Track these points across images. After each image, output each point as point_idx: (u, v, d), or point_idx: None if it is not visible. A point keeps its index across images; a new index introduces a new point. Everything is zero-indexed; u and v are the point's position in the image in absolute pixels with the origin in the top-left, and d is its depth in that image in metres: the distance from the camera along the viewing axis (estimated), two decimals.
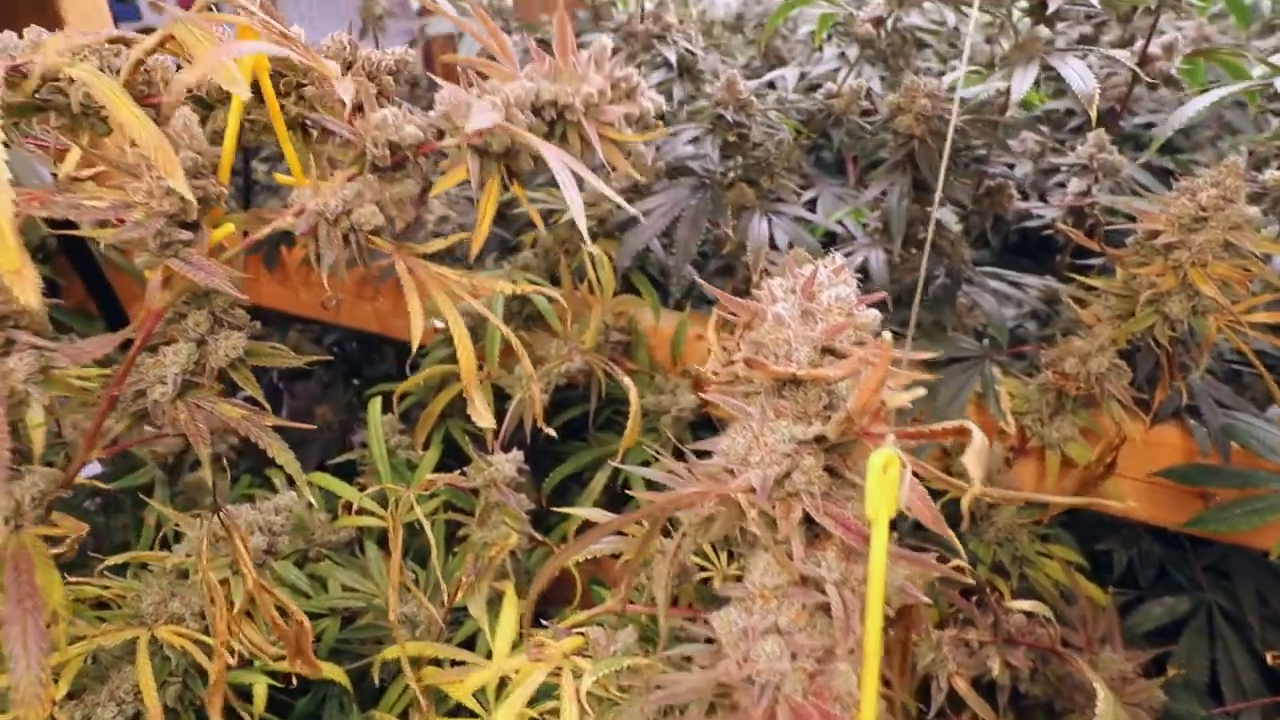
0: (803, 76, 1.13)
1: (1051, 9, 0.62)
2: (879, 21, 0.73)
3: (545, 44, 1.13)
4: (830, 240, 0.89)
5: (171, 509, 0.80)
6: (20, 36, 0.45)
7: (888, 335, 0.31)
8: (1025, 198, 0.92)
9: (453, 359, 0.87)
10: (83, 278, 0.88)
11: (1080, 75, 0.62)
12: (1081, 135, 0.94)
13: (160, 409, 0.41)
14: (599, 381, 0.76)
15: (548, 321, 0.81)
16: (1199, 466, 0.68)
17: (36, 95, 0.42)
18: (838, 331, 0.32)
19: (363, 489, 0.77)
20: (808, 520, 0.31)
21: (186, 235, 0.38)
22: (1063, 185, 0.91)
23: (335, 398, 1.11)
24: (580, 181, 0.44)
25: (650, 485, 0.37)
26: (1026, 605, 0.57)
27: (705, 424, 0.86)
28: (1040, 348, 0.70)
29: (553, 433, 0.62)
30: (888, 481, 0.25)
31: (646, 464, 0.80)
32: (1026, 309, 0.91)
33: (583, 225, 0.45)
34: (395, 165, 0.45)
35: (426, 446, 0.82)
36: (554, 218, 0.84)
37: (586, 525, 0.52)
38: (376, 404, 0.80)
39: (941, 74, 1.24)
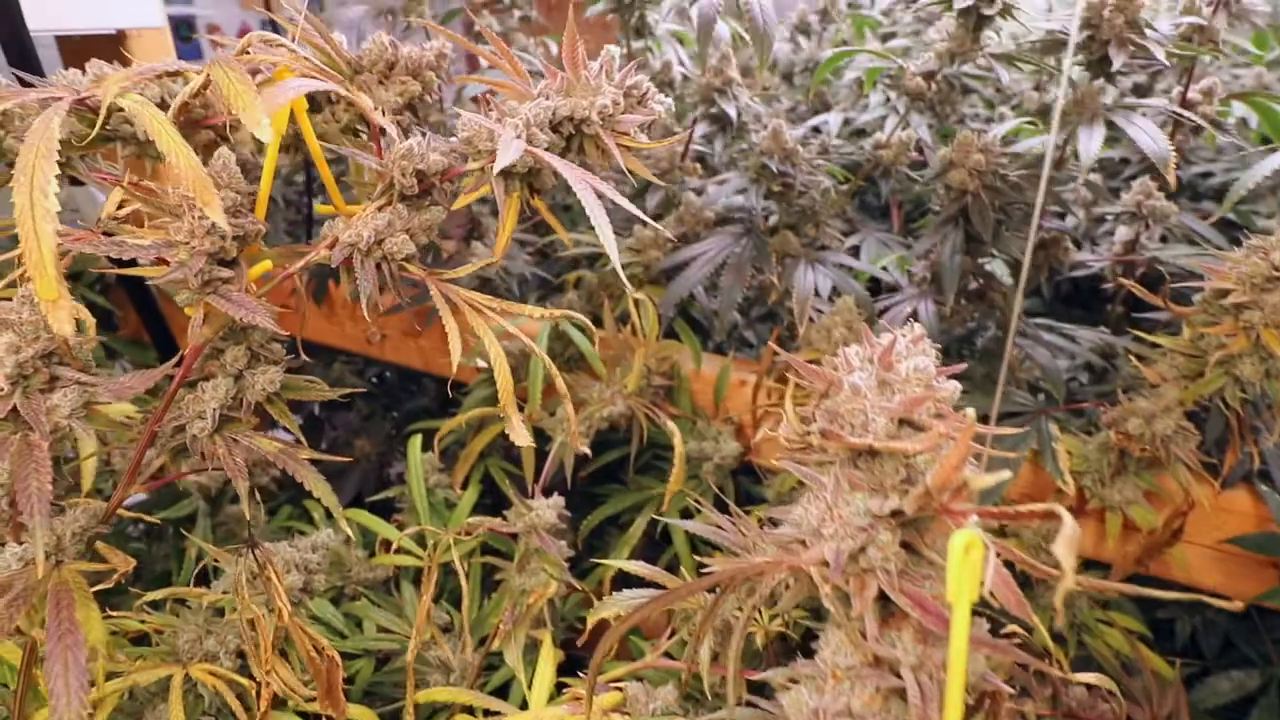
0: (847, 122, 1.12)
1: (1116, 65, 0.60)
2: (930, 75, 0.72)
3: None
4: (875, 286, 0.87)
5: (212, 540, 0.81)
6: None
7: (970, 412, 0.29)
8: (1078, 247, 0.89)
9: (493, 399, 0.87)
10: (137, 309, 0.91)
11: (1152, 137, 0.60)
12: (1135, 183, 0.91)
13: (199, 444, 0.41)
14: (640, 426, 0.74)
15: (590, 364, 0.80)
16: (1272, 536, 0.64)
17: (106, 127, 0.43)
18: (917, 404, 0.30)
19: (400, 527, 0.77)
20: (883, 598, 0.29)
21: (226, 273, 0.39)
22: (1112, 234, 0.89)
23: (374, 430, 1.11)
24: (605, 203, 0.44)
25: (694, 537, 0.36)
26: (1089, 678, 0.53)
27: (747, 471, 0.84)
28: (1099, 405, 0.67)
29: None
30: (970, 564, 0.23)
31: (688, 512, 0.79)
32: (1080, 361, 0.88)
33: (614, 255, 0.44)
34: (422, 192, 0.46)
35: (465, 486, 0.81)
36: (600, 262, 0.84)
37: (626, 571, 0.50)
38: (416, 442, 0.80)
39: (989, 120, 1.22)
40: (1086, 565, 0.72)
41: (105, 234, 0.39)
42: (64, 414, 0.36)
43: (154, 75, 0.40)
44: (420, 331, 0.98)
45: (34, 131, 0.33)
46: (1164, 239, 0.86)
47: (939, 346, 0.76)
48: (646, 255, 0.86)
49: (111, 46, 0.82)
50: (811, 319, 0.74)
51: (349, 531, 0.47)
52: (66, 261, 0.35)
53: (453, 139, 0.46)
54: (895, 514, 0.29)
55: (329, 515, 0.75)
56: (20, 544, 0.39)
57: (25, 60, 0.62)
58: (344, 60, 0.45)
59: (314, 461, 0.46)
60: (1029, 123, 0.78)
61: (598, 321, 0.89)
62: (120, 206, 0.44)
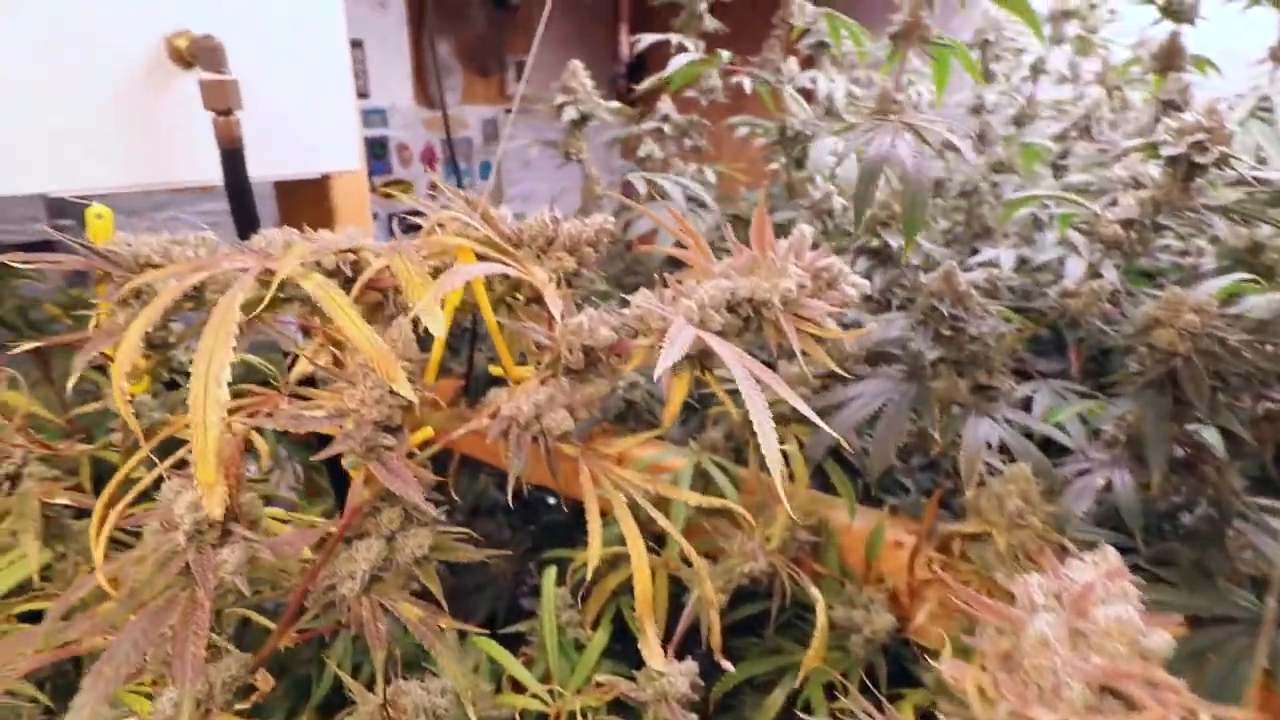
0: (1023, 262, 1.06)
1: None
2: (1130, 224, 0.66)
3: (741, 220, 1.13)
4: (1047, 445, 0.78)
5: (352, 652, 0.83)
6: (299, 224, 0.51)
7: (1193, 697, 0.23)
8: None
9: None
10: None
11: None
12: None
13: (346, 604, 0.41)
14: (784, 586, 0.69)
15: (732, 510, 0.76)
16: None
17: (281, 293, 0.46)
18: (1123, 677, 0.25)
19: (528, 663, 0.75)
20: None
21: (390, 440, 0.39)
22: None
23: (511, 543, 1.11)
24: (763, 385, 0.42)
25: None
26: None
27: (901, 641, 0.76)
28: None
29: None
30: None
31: (831, 687, 0.72)
32: None
33: (774, 452, 0.42)
34: (587, 366, 0.45)
35: (596, 625, 0.79)
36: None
37: None
38: (550, 575, 0.78)
39: (1183, 253, 1.11)
40: None
41: (290, 396, 0.41)
42: (229, 569, 0.37)
43: (332, 251, 0.43)
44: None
45: (215, 314, 0.36)
46: None
47: (1139, 524, 0.66)
48: (795, 391, 0.82)
49: (318, 186, 0.91)
50: (982, 480, 0.67)
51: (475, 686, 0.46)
52: (246, 431, 0.36)
53: (624, 311, 0.46)
54: None
55: (461, 637, 0.75)
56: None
57: (246, 212, 0.69)
58: (503, 235, 0.46)
59: (452, 571, 0.46)
60: (1251, 280, 0.69)
61: (741, 459, 0.86)
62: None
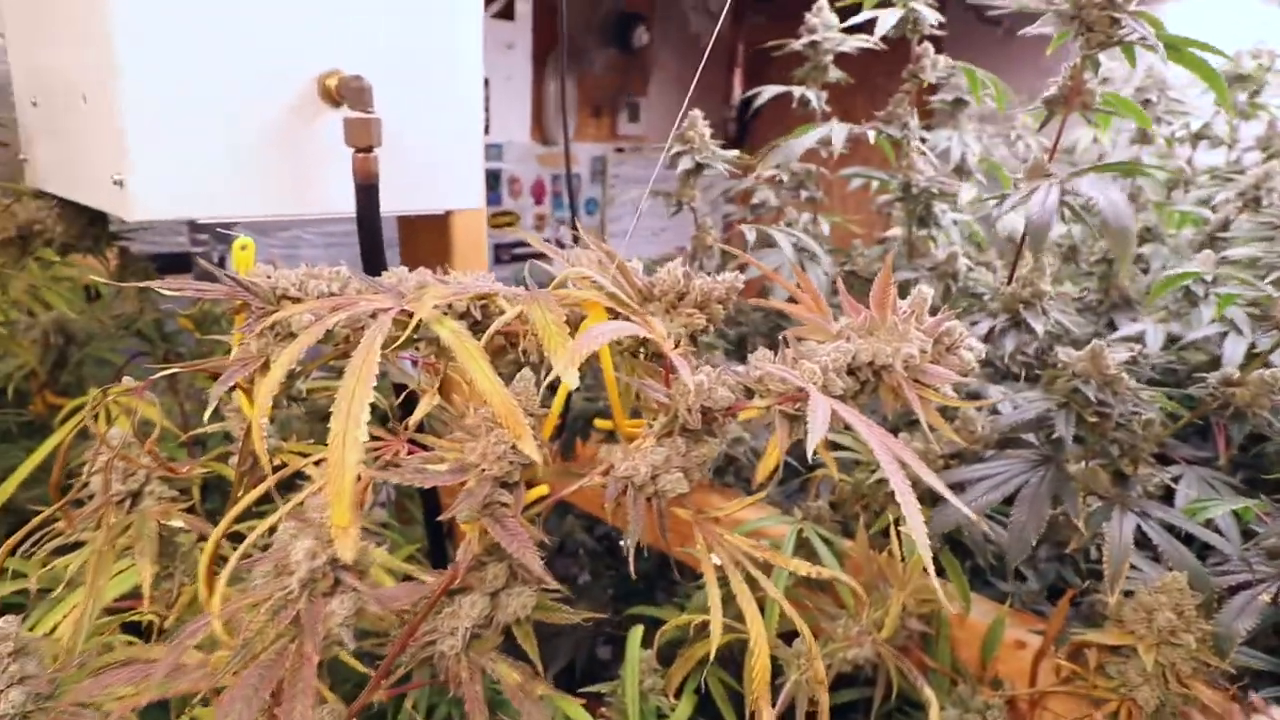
0: (1172, 340, 0.97)
1: None
2: None
3: (856, 276, 1.08)
4: (1189, 541, 0.70)
5: (429, 689, 0.82)
6: (418, 257, 0.51)
7: None
8: None
9: (727, 600, 0.81)
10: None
11: None
12: None
13: (445, 661, 0.40)
14: (890, 679, 0.64)
15: (835, 587, 0.72)
16: None
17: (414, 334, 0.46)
18: None
19: None
20: None
21: (507, 497, 0.38)
22: None
23: (596, 593, 1.09)
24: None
25: None
26: None
27: None
28: None
29: None
30: None
31: None
32: None
33: (922, 536, 0.39)
34: (704, 425, 0.43)
35: (679, 695, 0.75)
36: (859, 470, 0.77)
37: None
38: (636, 636, 0.75)
39: None
40: None
41: (410, 444, 0.41)
42: (337, 621, 0.36)
43: (468, 296, 0.42)
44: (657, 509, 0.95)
45: (357, 355, 0.35)
46: None
47: None
48: (912, 470, 0.77)
49: (439, 221, 0.93)
50: (1128, 591, 0.60)
51: None
52: (368, 480, 0.36)
53: (740, 369, 0.44)
54: None
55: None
56: None
57: (375, 246, 0.71)
58: (634, 288, 0.45)
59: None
60: None
61: (847, 532, 0.81)
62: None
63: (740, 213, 1.34)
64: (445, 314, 0.48)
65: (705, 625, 0.78)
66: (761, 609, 0.74)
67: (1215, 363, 0.82)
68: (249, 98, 0.70)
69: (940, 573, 0.74)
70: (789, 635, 0.73)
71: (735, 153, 1.00)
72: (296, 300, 0.52)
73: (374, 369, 0.35)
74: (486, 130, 2.80)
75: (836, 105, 1.14)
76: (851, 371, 0.47)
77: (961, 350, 0.50)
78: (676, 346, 0.47)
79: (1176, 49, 0.59)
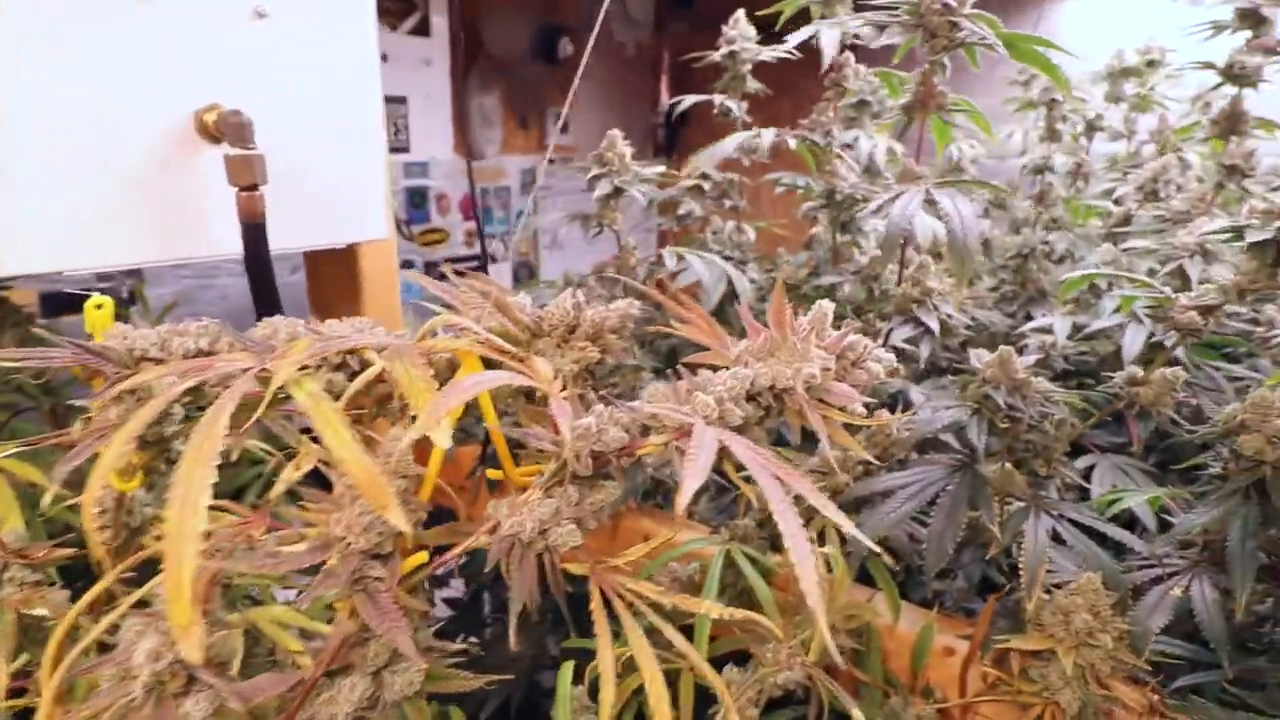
0: (1077, 329, 0.99)
1: None
2: (1210, 311, 0.60)
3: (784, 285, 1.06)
4: (1119, 552, 0.71)
5: None
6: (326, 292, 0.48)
7: None
8: None
9: (653, 631, 0.79)
10: None
11: None
12: None
13: None
14: (821, 701, 0.63)
15: (764, 609, 0.70)
16: None
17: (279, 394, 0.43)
18: None
19: None
20: None
21: (379, 571, 0.35)
22: None
23: (530, 628, 1.06)
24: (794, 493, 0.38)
25: None
26: None
27: None
28: None
29: None
30: None
31: None
32: None
33: (809, 574, 0.37)
34: (597, 470, 0.41)
35: None
36: None
37: None
38: (567, 673, 0.73)
39: (1254, 321, 1.03)
40: None
41: (273, 517, 0.38)
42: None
43: (333, 352, 0.40)
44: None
45: (198, 433, 0.32)
46: None
47: (1224, 637, 0.59)
48: (834, 479, 0.77)
49: (346, 254, 0.90)
50: (1047, 592, 0.60)
51: None
52: (211, 573, 0.33)
53: (635, 407, 0.42)
54: None
55: None
56: None
57: (266, 288, 0.67)
58: (522, 326, 0.43)
59: (462, 657, 0.42)
60: None
61: (776, 547, 0.80)
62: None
63: (669, 222, 1.32)
64: (320, 369, 0.45)
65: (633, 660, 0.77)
66: (690, 634, 0.73)
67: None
68: (120, 138, 0.65)
69: (870, 582, 0.74)
70: (727, 658, 0.72)
71: (659, 169, 0.99)
72: (159, 361, 0.48)
73: (216, 446, 0.33)
74: (407, 149, 2.74)
75: (763, 111, 1.14)
76: (752, 397, 0.46)
77: (869, 363, 0.49)
78: (566, 386, 0.45)
79: (1015, 46, 0.60)
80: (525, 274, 3.72)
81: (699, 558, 0.80)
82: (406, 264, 3.12)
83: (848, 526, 0.38)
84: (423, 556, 0.38)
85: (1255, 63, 0.84)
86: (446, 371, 0.44)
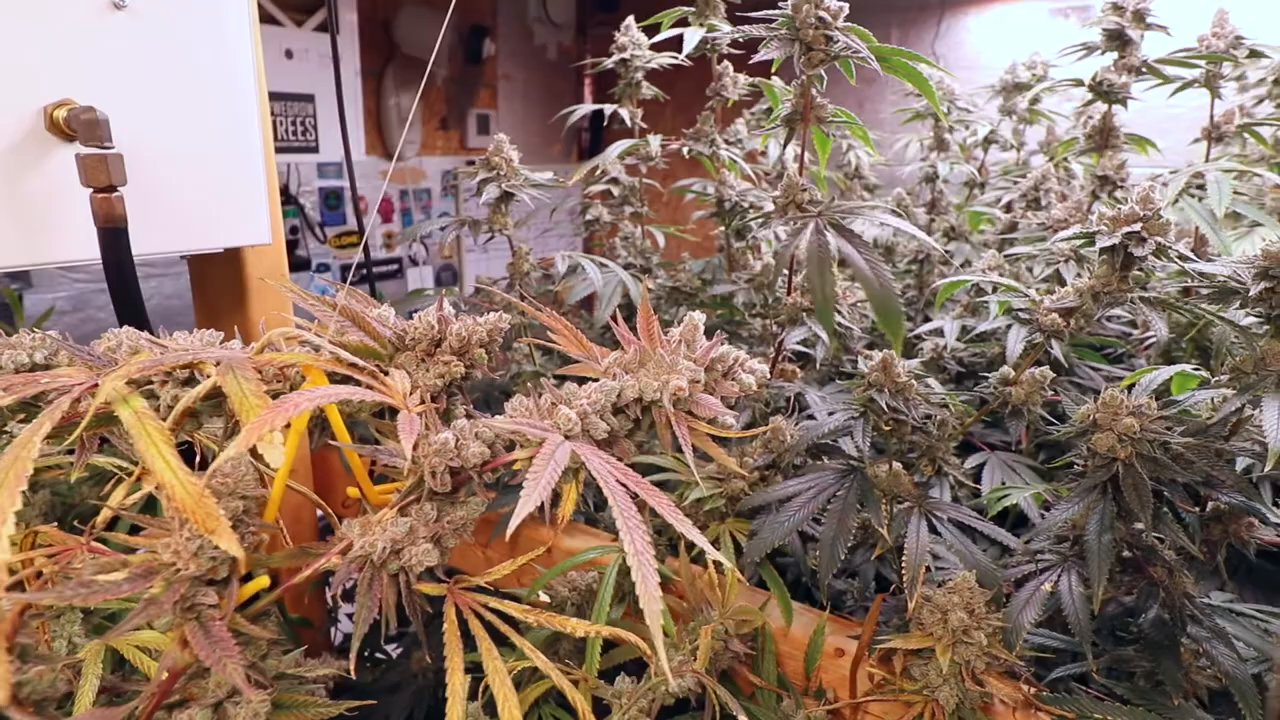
0: (965, 330, 1.03)
1: None
2: (1070, 313, 0.63)
3: (681, 293, 1.07)
4: (1005, 551, 0.73)
5: None
6: (211, 297, 0.45)
7: None
8: (1264, 523, 0.73)
9: (552, 642, 0.78)
10: None
11: None
12: None
13: None
14: (714, 707, 0.63)
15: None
16: None
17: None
18: None
19: None
20: None
21: (211, 598, 0.33)
22: None
23: (435, 641, 1.03)
24: (643, 504, 0.38)
25: None
26: None
27: None
28: None
29: None
30: None
31: None
32: None
33: (653, 604, 0.37)
34: (456, 486, 0.40)
35: None
36: (681, 490, 0.76)
37: None
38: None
39: (1131, 323, 1.09)
40: None
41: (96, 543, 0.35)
42: None
43: (171, 366, 0.38)
44: (486, 542, 0.91)
45: (8, 455, 0.30)
46: None
47: (1090, 629, 0.62)
48: (731, 485, 0.77)
49: (229, 258, 0.86)
50: (926, 596, 0.62)
51: None
52: (16, 616, 0.30)
53: (498, 421, 0.41)
54: None
55: None
56: None
57: (127, 294, 0.64)
58: (382, 340, 0.41)
59: (367, 684, 0.40)
60: (1192, 368, 0.66)
61: (676, 551, 0.80)
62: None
63: (579, 228, 1.32)
64: (167, 384, 0.43)
65: (533, 671, 0.76)
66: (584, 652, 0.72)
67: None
68: None
69: (763, 586, 0.75)
70: (625, 666, 0.72)
71: (549, 175, 0.98)
72: None
73: (26, 470, 0.30)
74: (316, 149, 2.65)
75: (682, 116, 1.14)
76: (620, 410, 0.45)
77: (740, 374, 0.49)
78: (433, 399, 0.44)
79: (887, 59, 0.62)
80: (448, 277, 3.65)
81: (598, 565, 0.80)
82: (323, 267, 3.02)
83: (707, 547, 0.38)
84: (264, 581, 0.36)
85: (1122, 81, 0.89)
86: (301, 386, 0.42)
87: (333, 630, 1.16)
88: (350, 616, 1.26)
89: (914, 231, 0.69)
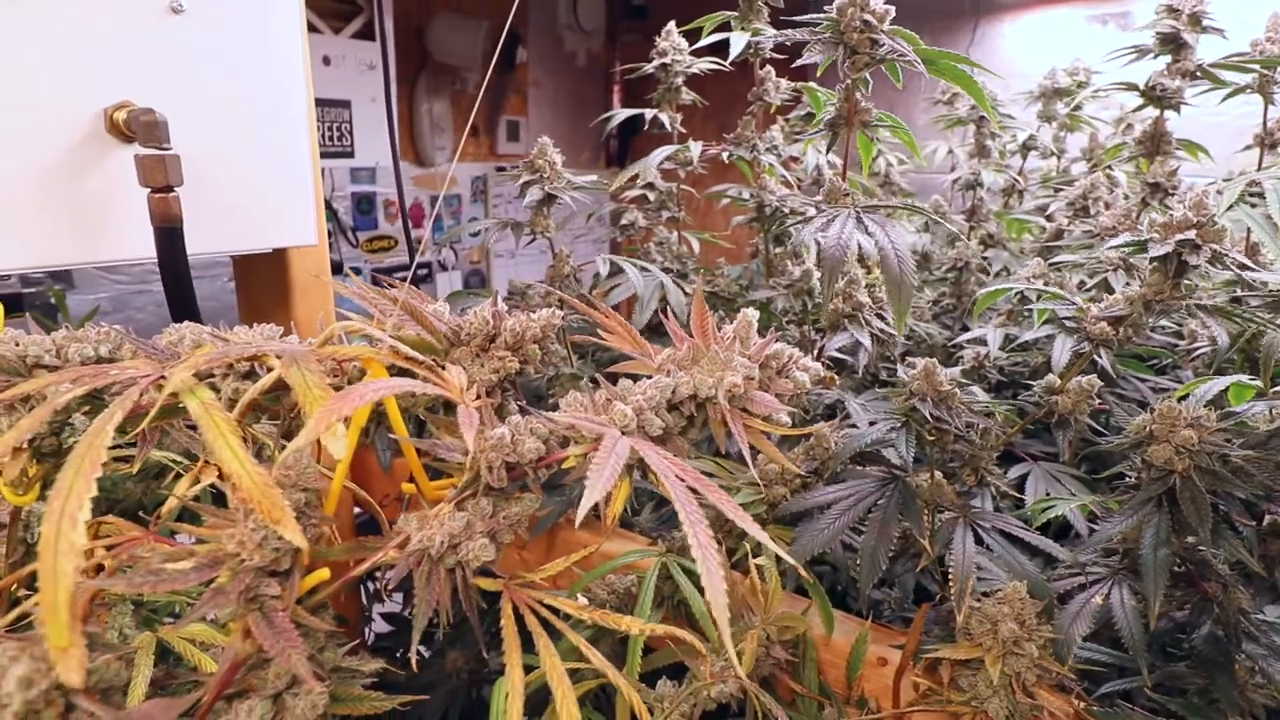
0: (1009, 339, 1.02)
1: None
2: (1119, 321, 0.62)
3: (718, 297, 1.07)
4: (1051, 560, 0.72)
5: None
6: (256, 297, 0.46)
7: None
8: None
9: (594, 641, 0.78)
10: None
11: None
12: None
13: None
14: (755, 713, 0.63)
15: (699, 621, 0.70)
16: None
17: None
18: None
19: None
20: None
21: (274, 590, 0.33)
22: None
23: (469, 639, 1.04)
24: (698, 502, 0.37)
25: None
26: None
27: None
28: None
29: None
30: None
31: None
32: None
33: (718, 592, 0.37)
34: (513, 481, 0.40)
35: None
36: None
37: None
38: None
39: (1178, 335, 1.07)
40: None
41: (168, 535, 0.36)
42: None
43: (235, 359, 0.38)
44: (522, 544, 0.92)
45: (82, 443, 0.30)
46: None
47: (1142, 644, 0.60)
48: (772, 492, 0.76)
49: (275, 259, 0.87)
50: (975, 603, 0.61)
51: None
52: (86, 602, 0.31)
53: (554, 416, 0.41)
54: None
55: None
56: None
57: (182, 292, 0.65)
58: (439, 335, 0.41)
59: (401, 683, 0.40)
60: (1249, 383, 0.65)
61: None
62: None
63: (616, 233, 1.32)
64: (228, 377, 0.43)
65: (573, 673, 0.76)
66: (622, 656, 0.72)
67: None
68: (22, 135, 0.62)
69: (801, 592, 0.74)
70: (664, 671, 0.71)
71: (593, 177, 0.98)
72: (54, 368, 0.46)
73: (100, 457, 0.31)
74: (351, 154, 2.69)
75: (713, 122, 1.14)
76: (674, 407, 0.45)
77: (794, 372, 0.49)
78: (488, 395, 0.44)
79: (934, 62, 0.61)
80: (476, 282, 3.68)
81: (637, 569, 0.79)
82: (354, 271, 3.06)
83: (768, 542, 0.38)
84: (324, 574, 0.36)
85: (1175, 85, 0.88)
86: (359, 381, 0.43)
87: (366, 630, 1.17)
88: (383, 616, 1.27)
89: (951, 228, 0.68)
